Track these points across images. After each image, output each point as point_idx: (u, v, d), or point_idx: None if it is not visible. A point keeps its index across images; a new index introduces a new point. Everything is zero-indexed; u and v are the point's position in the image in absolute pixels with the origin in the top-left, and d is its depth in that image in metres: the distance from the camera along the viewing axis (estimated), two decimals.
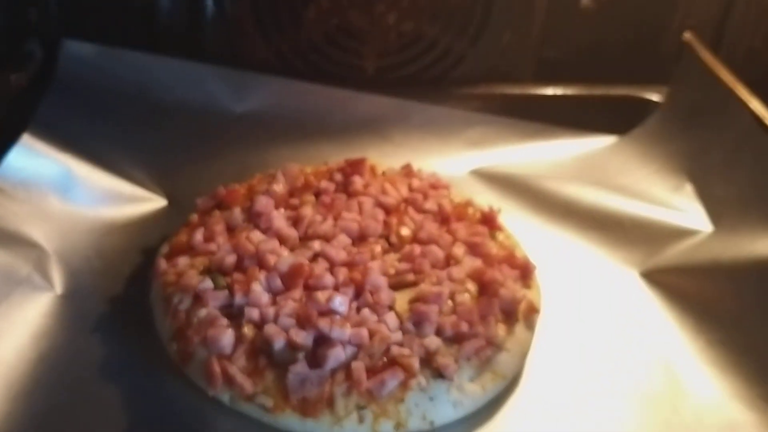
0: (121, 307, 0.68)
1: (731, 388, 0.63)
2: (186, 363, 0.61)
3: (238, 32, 0.94)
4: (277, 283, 0.64)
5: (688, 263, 0.74)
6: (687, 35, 0.90)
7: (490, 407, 0.61)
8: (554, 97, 0.96)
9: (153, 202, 0.80)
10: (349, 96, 0.91)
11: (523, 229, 0.77)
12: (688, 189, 0.81)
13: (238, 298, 0.63)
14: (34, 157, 0.75)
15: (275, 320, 0.61)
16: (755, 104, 0.79)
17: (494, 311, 0.64)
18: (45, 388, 0.60)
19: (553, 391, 0.63)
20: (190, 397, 0.60)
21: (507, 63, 0.97)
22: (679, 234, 0.77)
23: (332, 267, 0.66)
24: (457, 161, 0.88)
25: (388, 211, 0.73)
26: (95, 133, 0.82)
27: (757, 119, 0.77)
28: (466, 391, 0.60)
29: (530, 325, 0.66)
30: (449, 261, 0.69)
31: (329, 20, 0.94)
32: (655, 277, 0.74)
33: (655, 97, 0.93)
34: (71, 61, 0.85)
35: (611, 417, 0.61)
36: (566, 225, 0.80)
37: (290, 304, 0.62)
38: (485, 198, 0.80)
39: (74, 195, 0.76)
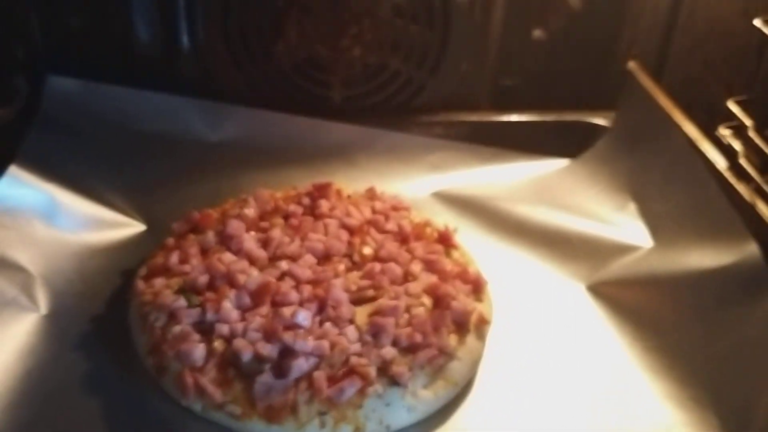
0: (102, 326, 0.72)
1: (665, 391, 0.68)
2: (161, 375, 0.65)
3: (211, 64, 0.98)
4: (246, 300, 0.68)
5: (629, 276, 0.79)
6: (631, 64, 0.96)
7: (443, 412, 0.66)
8: (510, 123, 1.00)
9: (132, 227, 0.83)
10: (318, 124, 0.95)
11: (478, 247, 0.82)
12: (632, 207, 0.86)
13: (210, 315, 0.67)
14: (19, 187, 0.78)
15: (243, 334, 0.65)
16: (689, 127, 0.84)
17: (446, 323, 0.68)
18: (31, 401, 0.63)
19: (502, 397, 0.68)
20: (166, 407, 0.64)
21: (465, 91, 1.01)
22: (622, 249, 0.82)
23: (298, 284, 0.70)
24: (419, 184, 0.92)
25: (351, 231, 0.77)
26: (78, 163, 0.85)
27: (690, 141, 0.83)
28: (419, 397, 0.64)
29: (481, 336, 0.70)
30: (407, 277, 0.73)
31: (298, 53, 0.98)
32: (599, 290, 0.78)
33: (602, 121, 0.98)
34: (55, 95, 0.89)
35: (557, 421, 0.66)
36: (518, 242, 0.84)
37: (258, 319, 0.66)
38: (445, 218, 0.84)
39: (58, 221, 0.79)
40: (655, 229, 0.83)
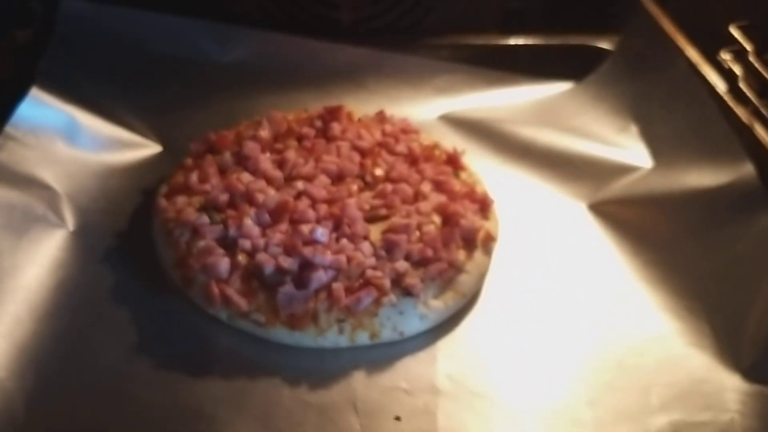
0: (127, 241, 0.75)
1: (661, 302, 0.72)
2: (188, 287, 0.69)
3: None
4: (266, 217, 0.71)
5: (630, 195, 0.81)
6: None
7: (452, 321, 0.70)
8: (516, 46, 1.01)
9: (149, 148, 0.85)
10: (327, 47, 0.96)
11: (485, 168, 0.84)
12: (633, 129, 0.88)
13: (232, 231, 0.70)
14: (41, 108, 0.80)
15: (265, 249, 0.69)
16: (691, 51, 0.86)
17: (455, 239, 0.72)
18: (63, 311, 0.67)
19: (507, 308, 0.72)
20: (192, 316, 0.68)
21: (472, 14, 1.02)
22: (623, 170, 0.84)
23: (314, 203, 0.73)
24: (426, 107, 0.94)
25: (363, 153, 0.80)
26: (94, 84, 0.87)
27: (691, 65, 0.85)
28: (430, 306, 0.68)
29: (488, 251, 0.74)
30: (417, 197, 0.76)
31: None
32: (600, 209, 0.81)
33: (607, 45, 0.98)
34: (69, 17, 0.89)
35: (559, 331, 0.70)
36: (523, 164, 0.87)
37: (278, 235, 0.70)
38: (452, 141, 0.86)
39: (79, 141, 0.82)
40: (655, 150, 0.85)
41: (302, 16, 1.01)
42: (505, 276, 0.75)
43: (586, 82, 0.96)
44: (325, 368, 0.65)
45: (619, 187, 0.83)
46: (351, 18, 1.02)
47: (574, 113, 0.92)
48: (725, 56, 0.81)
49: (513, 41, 1.02)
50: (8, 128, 0.77)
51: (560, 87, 0.97)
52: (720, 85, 0.81)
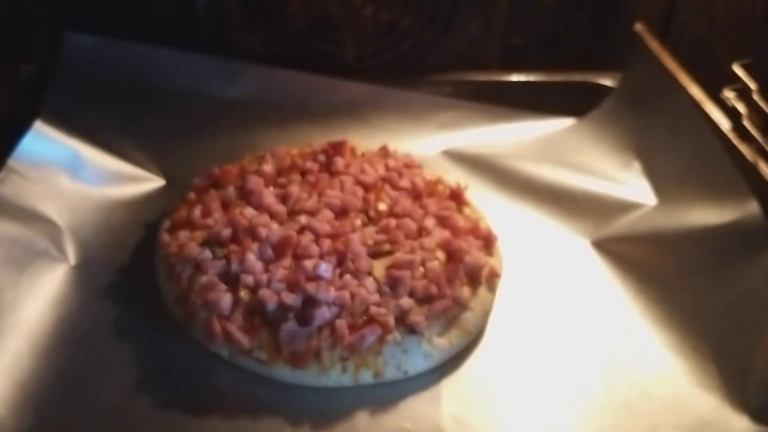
0: (129, 276, 0.74)
1: (666, 341, 0.71)
2: (189, 323, 0.68)
3: (227, 21, 0.99)
4: (269, 252, 0.70)
5: (634, 233, 0.81)
6: (638, 25, 0.97)
7: (456, 359, 0.69)
8: (518, 82, 1.01)
9: (152, 181, 0.85)
10: (330, 82, 0.96)
11: (488, 204, 0.84)
12: (636, 166, 0.88)
13: (235, 266, 0.69)
14: (45, 142, 0.80)
15: (268, 285, 0.68)
16: (694, 89, 0.86)
17: (460, 275, 0.71)
18: (64, 347, 0.66)
19: (512, 346, 0.71)
20: (194, 353, 0.67)
21: (474, 50, 1.03)
22: (627, 207, 0.84)
23: (317, 238, 0.72)
24: (429, 142, 0.94)
25: (366, 188, 0.79)
26: (98, 118, 0.87)
27: (694, 102, 0.85)
28: (435, 344, 0.68)
29: (492, 288, 0.74)
30: (421, 232, 0.75)
31: (312, 11, 0.99)
32: (604, 246, 0.81)
33: (609, 81, 0.99)
34: (73, 51, 0.90)
35: (563, 369, 0.69)
36: (526, 199, 0.87)
37: (281, 270, 0.69)
38: (454, 176, 0.86)
39: (82, 175, 0.81)
40: (659, 187, 0.85)
41: (306, 52, 1.02)
42: (510, 313, 0.74)
43: (588, 118, 0.96)
44: (327, 408, 0.64)
45: (622, 224, 0.83)
46: (354, 54, 1.02)
47: (577, 149, 0.93)
48: (728, 94, 0.81)
49: (515, 78, 1.02)
50: (11, 161, 0.77)
51: (562, 123, 0.97)
52: (724, 122, 0.82)
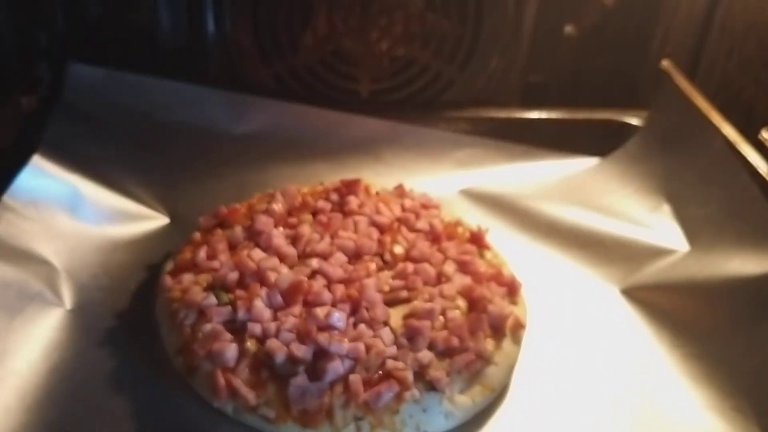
0: (128, 322, 0.70)
1: (706, 400, 0.66)
2: (191, 375, 0.64)
3: (238, 55, 0.97)
4: (278, 299, 0.67)
5: (666, 281, 0.77)
6: (665, 63, 0.94)
7: (479, 418, 0.64)
8: (539, 120, 0.99)
9: (156, 220, 0.82)
10: (344, 118, 0.94)
11: (509, 247, 0.80)
12: (666, 209, 0.85)
13: (241, 314, 0.65)
14: (43, 178, 0.77)
15: (276, 335, 0.64)
16: (727, 129, 0.83)
17: (483, 327, 0.67)
18: (56, 399, 0.62)
19: (538, 403, 0.66)
20: (195, 408, 0.63)
21: (494, 87, 1.00)
22: (658, 253, 0.80)
23: (330, 284, 0.69)
24: (446, 181, 0.91)
25: (382, 229, 0.76)
26: (100, 153, 0.84)
27: (729, 143, 0.81)
28: (456, 402, 0.63)
29: (517, 340, 0.69)
30: (440, 278, 0.72)
31: (325, 46, 0.97)
32: (635, 294, 0.77)
33: (634, 120, 0.96)
34: (77, 83, 0.88)
35: (595, 427, 0.64)
36: (550, 243, 0.83)
37: (291, 319, 0.65)
38: (473, 217, 0.83)
39: (82, 214, 0.78)
40: (691, 233, 0.81)
41: (319, 87, 0.99)
42: (535, 367, 0.70)
43: (612, 158, 0.93)
44: None
45: (653, 271, 0.79)
46: (369, 90, 1.00)
47: (602, 191, 0.90)
48: (766, 135, 0.77)
49: (536, 115, 0.99)
50: (6, 198, 0.74)
51: (585, 163, 0.94)
52: (761, 165, 0.77)
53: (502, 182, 0.91)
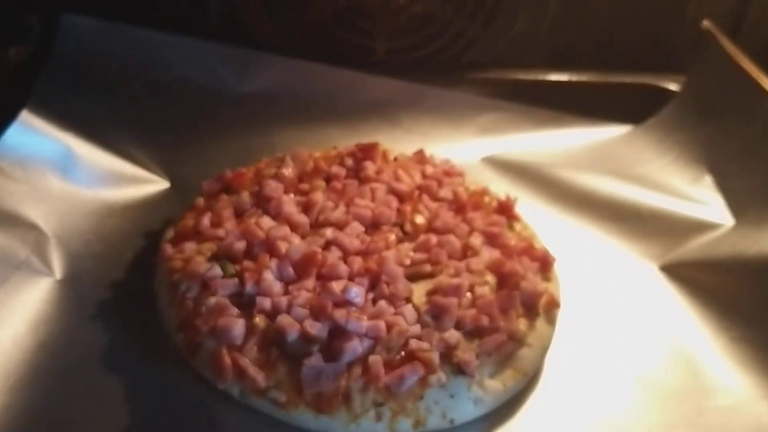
0: (124, 294, 0.67)
1: (758, 387, 0.61)
2: (193, 354, 0.60)
3: (243, 8, 0.92)
4: (289, 271, 0.62)
5: (710, 258, 0.72)
6: (706, 23, 0.89)
7: (510, 405, 0.60)
8: (568, 83, 0.94)
9: (155, 184, 0.78)
10: (358, 78, 0.89)
11: (538, 219, 0.76)
12: (708, 180, 0.80)
13: (249, 287, 0.61)
14: (32, 135, 0.74)
15: (288, 311, 0.60)
16: None
17: (515, 305, 0.62)
18: (43, 378, 0.58)
19: (574, 389, 0.62)
20: (197, 391, 0.59)
21: (520, 47, 0.96)
22: (700, 227, 0.76)
23: (346, 256, 0.64)
24: (468, 148, 0.87)
25: (401, 198, 0.71)
26: (95, 111, 0.80)
27: None
28: (486, 387, 0.58)
29: (551, 320, 0.64)
30: (466, 252, 0.67)
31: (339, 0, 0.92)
32: (676, 271, 0.72)
33: (671, 85, 0.91)
34: (70, 36, 0.83)
35: (634, 415, 0.60)
36: (582, 216, 0.79)
37: (303, 294, 0.60)
38: (497, 186, 0.78)
39: (74, 175, 0.75)
40: (736, 206, 0.76)
41: (331, 44, 0.95)
42: (570, 349, 0.65)
43: (647, 125, 0.89)
44: None
45: (695, 247, 0.74)
46: (386, 48, 0.95)
47: (637, 160, 0.85)
48: None
49: (564, 78, 0.94)
50: None
51: (618, 130, 0.90)
52: None
53: (528, 150, 0.87)
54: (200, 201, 0.71)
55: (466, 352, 0.58)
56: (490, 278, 0.64)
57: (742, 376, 0.62)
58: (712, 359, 0.64)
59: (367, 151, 0.75)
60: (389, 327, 0.58)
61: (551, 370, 0.63)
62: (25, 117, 0.73)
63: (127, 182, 0.77)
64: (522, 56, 0.96)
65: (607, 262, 0.74)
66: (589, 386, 0.62)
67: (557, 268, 0.69)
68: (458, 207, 0.71)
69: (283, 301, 0.60)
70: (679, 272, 0.72)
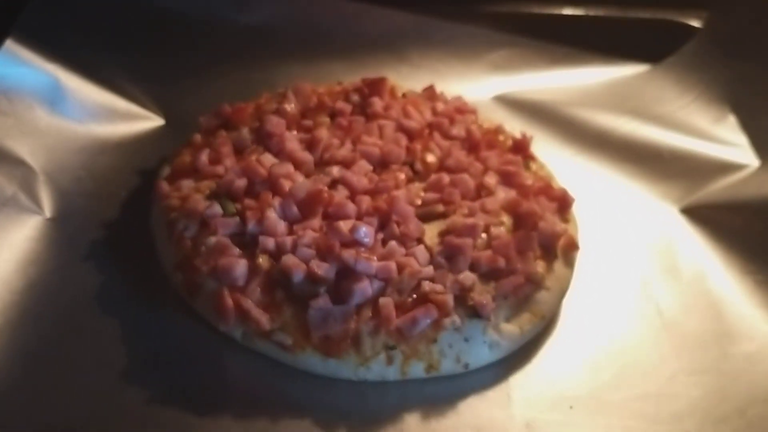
0: (117, 233, 0.65)
1: None
2: (193, 295, 0.58)
3: None
4: (294, 210, 0.60)
5: (734, 200, 0.70)
6: None
7: (527, 349, 0.58)
8: (584, 18, 0.90)
9: (149, 120, 0.76)
10: (363, 9, 0.87)
11: (554, 159, 0.73)
12: (731, 120, 0.78)
13: (251, 226, 0.59)
14: (18, 65, 0.72)
15: (293, 251, 0.57)
16: None
17: (533, 246, 0.60)
18: (33, 320, 0.57)
19: (592, 333, 0.60)
20: (197, 333, 0.57)
21: None
22: (723, 168, 0.74)
23: (353, 195, 0.62)
24: (479, 85, 0.84)
25: (411, 136, 0.69)
26: (86, 41, 0.78)
27: None
28: (502, 331, 0.56)
29: (569, 262, 0.62)
30: (480, 191, 0.65)
31: None
32: (698, 213, 0.70)
33: (693, 21, 0.87)
34: None
35: (657, 361, 0.58)
36: (600, 156, 0.76)
37: (309, 233, 0.58)
38: (510, 126, 0.75)
39: (63, 108, 0.72)
40: (762, 147, 0.75)
41: None
42: (588, 293, 0.64)
43: (666, 63, 0.86)
44: (367, 408, 0.54)
45: (719, 188, 0.72)
46: None
47: (657, 99, 0.82)
48: None
49: (581, 12, 0.90)
50: None
51: (636, 68, 0.86)
52: None
53: (543, 88, 0.84)
54: (197, 137, 0.68)
55: (482, 295, 0.56)
56: (506, 219, 0.62)
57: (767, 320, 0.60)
58: (736, 303, 0.62)
59: (374, 87, 0.72)
60: (400, 268, 0.56)
61: (569, 315, 0.61)
62: (10, 46, 0.71)
63: (120, 118, 0.74)
64: None
65: (626, 204, 0.71)
66: (609, 331, 0.60)
67: (575, 210, 0.66)
68: (471, 145, 0.68)
69: (288, 241, 0.57)
70: (702, 215, 0.70)
